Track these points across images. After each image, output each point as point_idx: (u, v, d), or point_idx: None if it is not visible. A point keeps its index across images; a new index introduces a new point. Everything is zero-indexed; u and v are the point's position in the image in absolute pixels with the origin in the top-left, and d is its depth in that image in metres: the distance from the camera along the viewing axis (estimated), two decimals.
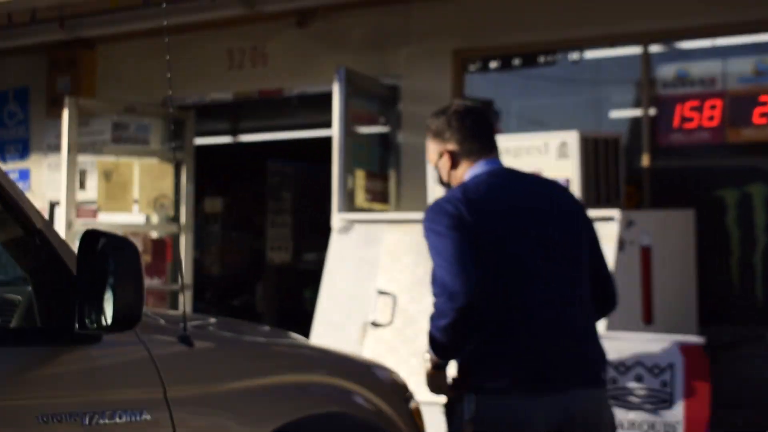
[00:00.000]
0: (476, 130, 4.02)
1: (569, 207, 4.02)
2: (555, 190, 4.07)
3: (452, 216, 3.82)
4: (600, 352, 3.93)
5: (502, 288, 3.80)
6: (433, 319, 3.92)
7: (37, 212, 3.11)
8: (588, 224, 4.04)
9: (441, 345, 3.92)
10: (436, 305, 3.90)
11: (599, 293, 4.01)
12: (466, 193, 3.88)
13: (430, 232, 3.89)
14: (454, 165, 4.04)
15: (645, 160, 7.41)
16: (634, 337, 5.25)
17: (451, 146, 4.03)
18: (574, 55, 7.86)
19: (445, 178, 4.09)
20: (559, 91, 8.03)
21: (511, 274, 3.82)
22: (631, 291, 6.03)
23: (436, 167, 4.11)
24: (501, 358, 3.79)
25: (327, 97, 7.94)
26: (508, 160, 6.30)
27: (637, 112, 7.59)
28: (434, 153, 4.10)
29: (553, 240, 3.87)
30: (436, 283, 3.90)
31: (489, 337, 3.80)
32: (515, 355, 3.77)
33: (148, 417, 3.13)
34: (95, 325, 3.01)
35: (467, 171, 4.01)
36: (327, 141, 8.04)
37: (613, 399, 5.03)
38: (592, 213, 5.97)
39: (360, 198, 7.75)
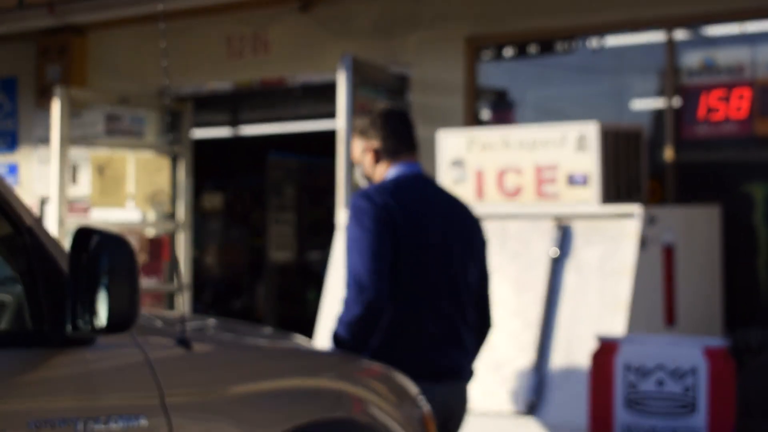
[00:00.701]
0: (398, 130, 4.58)
1: (471, 225, 4.59)
2: (460, 206, 4.62)
3: (379, 208, 4.32)
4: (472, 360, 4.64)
5: (410, 292, 4.32)
6: (340, 313, 4.31)
7: (27, 209, 3.14)
8: (483, 244, 4.62)
9: (343, 340, 4.29)
10: (345, 299, 4.29)
11: (478, 314, 4.59)
12: (393, 190, 4.41)
13: (354, 222, 4.33)
14: (376, 161, 4.59)
15: (668, 154, 7.43)
16: (655, 339, 5.28)
17: (375, 144, 4.57)
18: (593, 42, 7.88)
19: (368, 174, 4.63)
20: (578, 81, 8.05)
21: (419, 281, 4.34)
22: (652, 291, 6.07)
23: (360, 164, 4.66)
24: (406, 352, 4.33)
25: (332, 87, 7.96)
26: (522, 153, 6.37)
27: (660, 103, 7.61)
28: (359, 150, 4.65)
29: (455, 255, 4.44)
30: (350, 275, 4.28)
31: (392, 337, 4.31)
32: (418, 352, 4.37)
33: (144, 423, 3.16)
34: (89, 327, 3.04)
35: (389, 169, 4.56)
36: (332, 133, 8.07)
37: (632, 404, 5.07)
38: (613, 209, 6.04)
39: None
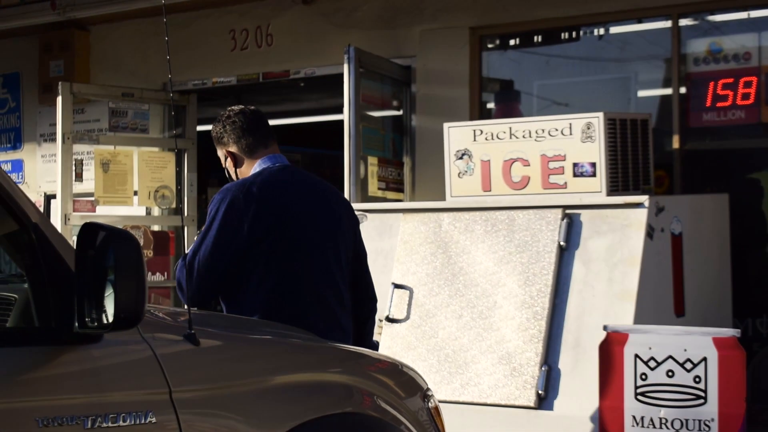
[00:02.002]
0: (248, 127, 4.70)
1: (339, 208, 4.74)
2: (328, 191, 4.76)
3: (231, 203, 4.47)
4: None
5: (283, 280, 4.47)
6: (179, 269, 4.54)
7: (33, 205, 3.15)
8: (354, 224, 4.79)
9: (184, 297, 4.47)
10: (178, 272, 4.53)
11: (361, 294, 4.79)
12: (254, 182, 4.54)
13: (212, 210, 4.52)
14: (238, 164, 4.74)
15: (675, 142, 7.42)
16: (664, 330, 5.27)
17: (231, 147, 4.74)
18: (598, 31, 7.87)
19: (234, 178, 4.76)
20: (584, 70, 8.04)
21: (290, 269, 4.49)
22: (661, 282, 6.06)
23: (226, 169, 4.81)
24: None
25: (336, 79, 7.96)
26: (529, 144, 6.36)
27: (667, 91, 7.60)
28: (221, 156, 4.80)
29: (324, 239, 4.60)
30: (190, 254, 4.49)
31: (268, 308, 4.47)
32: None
33: (153, 419, 3.16)
34: (96, 323, 3.04)
35: (254, 167, 4.69)
36: (337, 125, 8.06)
37: (642, 395, 5.06)
38: (620, 199, 6.03)
39: (373, 186, 7.79)
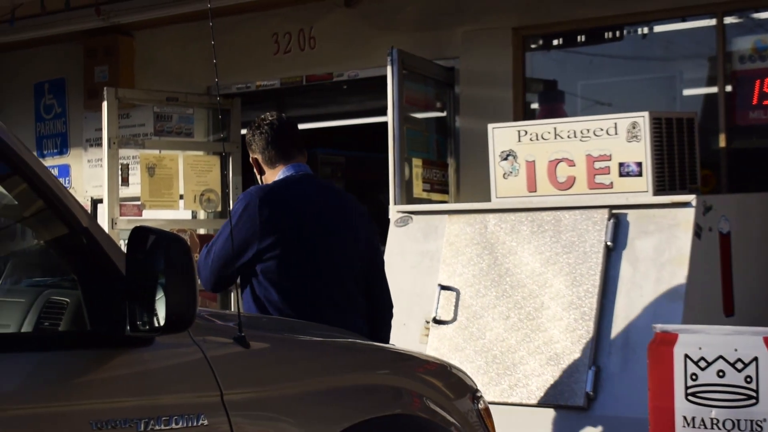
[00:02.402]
0: (273, 139, 4.97)
1: (355, 216, 4.96)
2: (344, 199, 5.02)
3: (247, 206, 4.73)
4: None
5: (299, 284, 4.69)
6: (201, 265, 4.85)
7: (83, 210, 3.17)
8: (370, 233, 5.02)
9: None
10: (200, 259, 4.87)
11: (374, 301, 4.96)
12: (271, 189, 4.82)
13: (233, 210, 4.81)
14: (261, 171, 5.05)
15: (722, 141, 7.37)
16: (714, 330, 5.22)
17: (256, 155, 5.03)
18: (642, 30, 7.83)
19: (259, 182, 5.04)
20: (628, 69, 8.00)
21: (305, 273, 4.70)
22: (710, 281, 6.01)
23: (255, 172, 5.11)
24: None
25: (379, 81, 7.96)
26: (574, 144, 6.33)
27: (712, 89, 7.54)
28: (251, 160, 5.11)
29: (337, 245, 4.81)
30: (211, 250, 4.85)
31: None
32: None
33: (205, 422, 3.18)
34: (147, 327, 3.06)
35: (277, 174, 4.96)
36: (380, 128, 8.06)
37: (693, 396, 5.02)
38: (667, 198, 5.99)
39: (418, 188, 7.77)
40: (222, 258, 4.73)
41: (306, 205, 4.82)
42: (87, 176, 10.34)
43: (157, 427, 3.07)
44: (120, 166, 8.82)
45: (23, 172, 3.04)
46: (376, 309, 4.98)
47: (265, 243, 4.66)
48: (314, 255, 4.73)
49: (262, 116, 5.13)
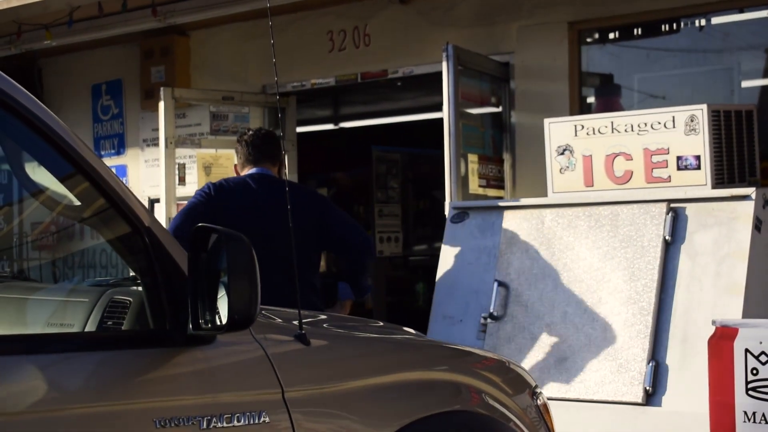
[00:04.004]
0: (247, 147, 6.34)
1: (302, 206, 5.95)
2: (295, 193, 5.78)
3: (201, 194, 6.15)
4: None
5: None
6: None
7: (145, 209, 3.21)
8: (324, 217, 6.13)
9: None
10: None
11: (348, 252, 6.23)
12: (224, 180, 6.28)
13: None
14: (236, 172, 6.44)
15: None
16: None
17: (236, 162, 6.49)
18: (699, 22, 7.78)
19: None
20: (685, 62, 7.95)
21: None
22: None
23: None
24: None
25: (434, 77, 7.97)
26: (631, 138, 6.31)
27: None
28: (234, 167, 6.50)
29: (273, 233, 5.64)
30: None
31: None
32: None
33: (266, 419, 3.21)
34: (209, 325, 3.09)
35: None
36: (435, 124, 8.07)
37: (753, 390, 5.00)
38: (726, 191, 5.95)
39: (474, 184, 7.78)
40: (174, 232, 5.70)
41: (244, 194, 6.12)
42: (144, 176, 10.43)
43: (219, 425, 3.11)
44: (177, 166, 8.89)
45: (85, 171, 3.08)
46: (351, 254, 6.19)
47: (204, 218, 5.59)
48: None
49: (246, 130, 6.65)
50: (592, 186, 6.47)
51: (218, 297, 3.08)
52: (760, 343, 5.03)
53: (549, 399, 4.47)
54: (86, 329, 3.72)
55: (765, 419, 4.98)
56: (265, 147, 6.35)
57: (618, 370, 5.86)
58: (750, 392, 5.03)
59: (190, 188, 9.15)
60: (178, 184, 9.02)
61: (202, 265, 3.09)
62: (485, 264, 6.51)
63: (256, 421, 3.19)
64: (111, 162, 10.53)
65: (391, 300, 12.60)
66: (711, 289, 5.79)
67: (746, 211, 5.83)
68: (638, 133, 6.32)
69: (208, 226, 3.12)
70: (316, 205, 6.21)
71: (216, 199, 6.08)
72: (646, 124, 6.31)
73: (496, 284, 6.36)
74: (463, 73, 7.71)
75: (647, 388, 5.76)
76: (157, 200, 9.45)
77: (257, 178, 6.22)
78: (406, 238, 12.74)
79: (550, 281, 6.23)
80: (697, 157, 6.16)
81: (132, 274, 3.64)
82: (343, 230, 6.20)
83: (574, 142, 6.54)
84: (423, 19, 8.75)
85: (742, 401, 5.04)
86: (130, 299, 3.62)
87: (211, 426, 3.09)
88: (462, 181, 7.53)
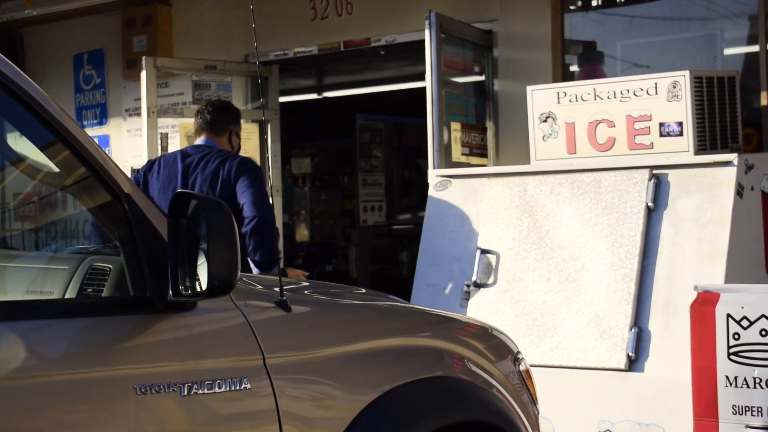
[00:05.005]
0: (195, 119, 6.70)
1: (218, 171, 6.35)
2: (212, 159, 6.41)
3: (135, 173, 6.71)
4: None
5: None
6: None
7: (124, 176, 3.19)
8: (236, 185, 6.28)
9: None
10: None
11: (244, 227, 6.11)
12: (151, 160, 6.79)
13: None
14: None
15: (764, 99, 7.30)
16: (756, 289, 5.21)
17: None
18: None
19: None
20: (668, 29, 7.94)
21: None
22: (752, 240, 5.99)
23: None
24: None
25: (417, 46, 7.95)
26: (614, 105, 6.30)
27: (753, 48, 7.47)
28: None
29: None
30: None
31: None
32: None
33: (247, 386, 3.20)
34: (189, 291, 3.08)
35: None
36: (418, 92, 8.05)
37: (735, 355, 5.02)
38: (708, 158, 5.95)
39: (457, 152, 7.77)
40: None
41: (163, 168, 6.49)
42: (127, 146, 10.40)
43: (200, 391, 3.10)
44: (159, 135, 8.86)
45: (65, 139, 3.06)
46: (244, 226, 6.09)
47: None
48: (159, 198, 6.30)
49: (204, 101, 7.13)
50: (575, 153, 6.46)
51: (198, 264, 3.07)
52: (742, 308, 5.05)
53: (532, 366, 4.47)
54: (66, 297, 3.70)
55: (747, 383, 4.99)
56: (212, 118, 6.61)
57: (601, 336, 5.88)
58: (732, 357, 5.05)
59: None
60: (161, 154, 8.98)
61: (182, 232, 3.08)
62: (468, 232, 6.50)
63: (237, 388, 3.18)
64: (93, 132, 10.48)
65: (376, 269, 12.61)
66: (693, 255, 5.80)
67: (728, 177, 5.83)
68: (621, 100, 6.31)
69: (188, 192, 3.10)
70: (235, 174, 6.33)
71: (142, 176, 6.58)
72: (628, 91, 6.30)
73: (479, 252, 6.37)
74: (446, 41, 7.68)
75: (630, 354, 5.77)
76: None
77: (189, 150, 6.57)
78: (391, 207, 12.73)
79: (532, 248, 6.23)
80: (680, 124, 6.16)
81: (112, 241, 3.62)
82: (243, 200, 6.25)
83: (557, 110, 6.53)
84: None
85: (724, 366, 5.06)
86: (110, 266, 3.61)
87: (192, 392, 3.09)
88: (445, 150, 7.52)
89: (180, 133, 9.06)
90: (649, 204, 5.95)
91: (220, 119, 6.64)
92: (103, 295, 3.55)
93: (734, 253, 5.75)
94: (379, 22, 8.90)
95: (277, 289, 3.47)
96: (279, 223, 9.45)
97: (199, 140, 6.61)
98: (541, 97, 6.60)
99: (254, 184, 6.30)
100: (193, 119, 6.69)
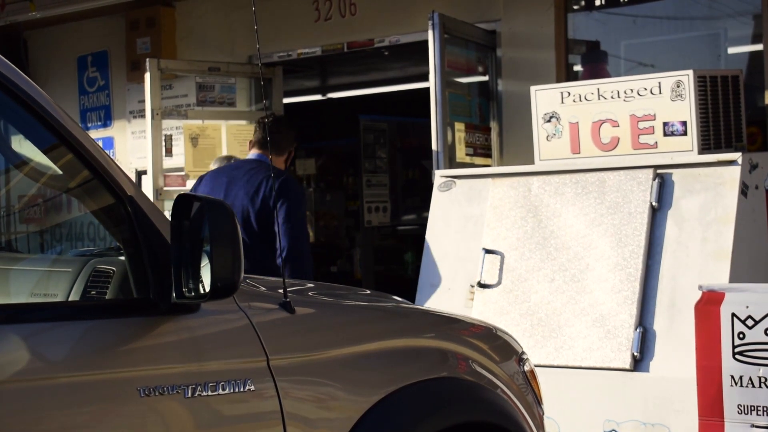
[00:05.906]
0: (259, 130, 6.89)
1: (259, 187, 6.54)
2: (256, 174, 6.61)
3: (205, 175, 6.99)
4: None
5: None
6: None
7: (128, 178, 3.19)
8: (277, 201, 6.46)
9: None
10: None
11: (284, 259, 6.32)
12: (221, 166, 7.18)
13: None
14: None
15: None
16: (761, 288, 5.20)
17: None
18: None
19: None
20: (672, 28, 7.93)
21: None
22: (756, 240, 5.98)
23: None
24: None
25: (420, 46, 7.94)
26: (618, 104, 6.29)
27: (757, 47, 7.47)
28: None
29: (236, 206, 6.44)
30: None
31: None
32: None
33: (251, 387, 3.20)
34: (193, 293, 3.08)
35: None
36: (422, 93, 8.04)
37: (740, 355, 5.01)
38: (713, 157, 5.95)
39: (461, 152, 7.77)
40: None
41: (226, 177, 6.71)
42: (131, 148, 10.40)
43: (204, 393, 3.10)
44: (164, 137, 8.87)
45: (68, 142, 3.07)
46: (279, 257, 6.31)
47: None
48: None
49: (268, 114, 7.39)
50: (579, 153, 6.46)
51: (202, 265, 3.07)
52: (747, 307, 5.04)
53: (537, 366, 4.47)
54: (70, 299, 3.70)
55: (752, 383, 4.99)
56: (275, 138, 6.77)
57: (605, 336, 5.87)
58: (737, 356, 5.04)
59: (177, 159, 9.14)
60: (165, 156, 9.00)
61: (185, 234, 3.07)
62: (472, 232, 6.50)
63: (242, 390, 3.18)
64: (98, 134, 10.49)
65: (380, 269, 12.60)
66: (698, 254, 5.79)
67: (732, 176, 5.82)
68: (624, 100, 6.31)
69: (190, 194, 3.10)
70: (276, 193, 6.48)
71: (194, 189, 6.95)
72: (632, 91, 6.30)
73: (483, 252, 6.36)
74: (450, 41, 7.68)
75: (635, 353, 5.76)
76: (144, 172, 9.43)
77: (239, 164, 6.90)
78: (395, 207, 12.72)
79: (537, 248, 6.22)
80: (684, 123, 6.15)
81: (116, 243, 3.62)
82: (280, 225, 6.46)
83: (561, 110, 6.52)
84: None
85: (729, 365, 5.05)
86: (114, 269, 3.61)
87: (196, 394, 3.09)
88: (449, 150, 7.52)
89: (184, 134, 9.06)
90: (654, 203, 5.94)
91: (282, 139, 6.86)
92: (106, 297, 3.55)
93: (739, 253, 5.74)
94: (382, 23, 8.90)
95: (280, 290, 3.46)
96: None
97: (252, 154, 6.86)
98: (544, 97, 6.60)
99: (291, 210, 6.48)
100: (253, 129, 6.97)
